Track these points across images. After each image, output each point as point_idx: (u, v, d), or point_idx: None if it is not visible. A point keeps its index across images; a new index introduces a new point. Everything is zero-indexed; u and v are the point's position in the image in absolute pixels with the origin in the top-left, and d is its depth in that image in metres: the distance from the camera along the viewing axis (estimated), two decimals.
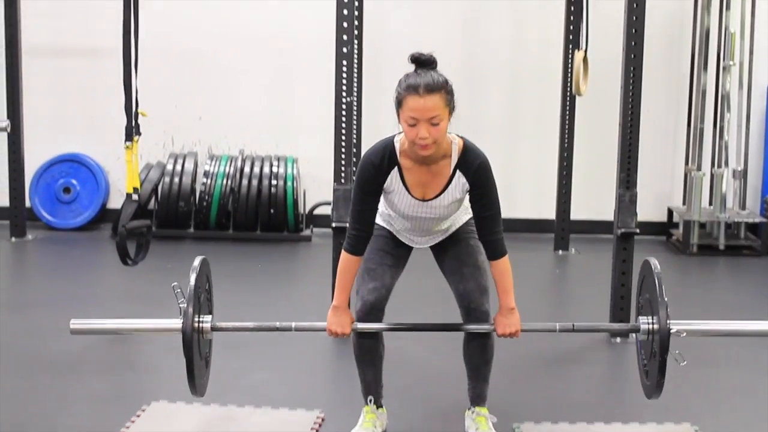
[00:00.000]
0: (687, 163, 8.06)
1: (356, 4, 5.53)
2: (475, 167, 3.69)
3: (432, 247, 4.02)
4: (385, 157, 3.71)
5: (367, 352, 3.99)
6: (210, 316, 3.91)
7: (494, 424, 4.06)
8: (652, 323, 3.79)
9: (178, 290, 3.75)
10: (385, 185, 3.73)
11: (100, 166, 8.29)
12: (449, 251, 3.96)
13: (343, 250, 3.82)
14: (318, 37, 7.59)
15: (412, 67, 3.62)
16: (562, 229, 7.64)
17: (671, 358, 3.67)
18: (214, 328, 3.89)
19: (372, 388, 4.06)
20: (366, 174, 3.72)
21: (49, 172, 8.24)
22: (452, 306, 4.02)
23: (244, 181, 7.89)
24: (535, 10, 8.15)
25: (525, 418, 4.30)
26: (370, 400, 4.07)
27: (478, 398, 4.07)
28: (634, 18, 5.27)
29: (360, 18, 6.51)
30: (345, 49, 5.31)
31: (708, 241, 7.84)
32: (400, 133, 3.71)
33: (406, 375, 4.81)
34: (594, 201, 7.87)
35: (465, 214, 3.97)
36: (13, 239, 7.73)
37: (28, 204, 8.01)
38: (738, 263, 7.59)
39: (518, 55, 8.17)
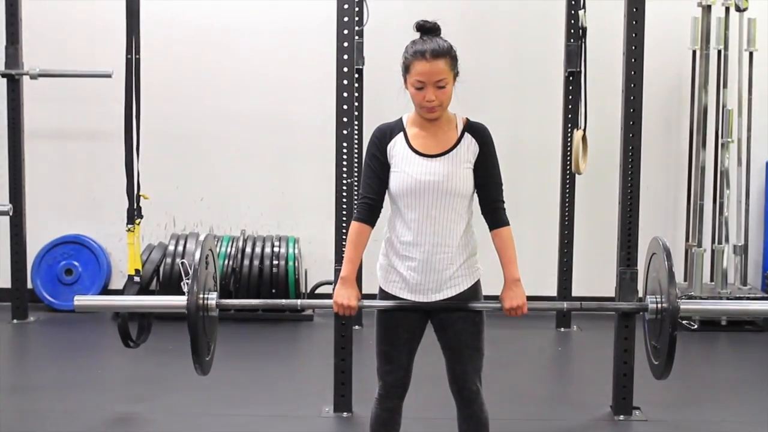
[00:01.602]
0: (687, 239, 8.06)
1: (356, 85, 5.59)
2: (482, 129, 3.88)
3: (434, 321, 3.95)
4: (392, 125, 3.88)
5: (384, 425, 3.97)
6: (215, 293, 3.93)
7: None
8: (661, 302, 3.87)
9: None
10: (388, 148, 3.83)
11: (101, 248, 8.30)
12: (455, 326, 3.90)
13: (353, 220, 3.90)
14: (318, 118, 7.65)
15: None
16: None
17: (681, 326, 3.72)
18: (219, 305, 3.91)
19: None
20: (374, 139, 3.89)
21: (51, 254, 8.25)
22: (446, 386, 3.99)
23: (246, 261, 7.89)
24: (534, 89, 8.22)
25: None
26: None
27: None
28: (632, 97, 5.31)
29: (360, 99, 6.57)
30: (345, 131, 5.34)
31: (710, 317, 7.81)
32: (406, 113, 3.89)
33: None
34: (595, 278, 7.84)
35: (475, 261, 3.99)
36: (15, 321, 7.69)
37: (30, 286, 8.00)
38: (740, 339, 7.55)
39: (518, 134, 8.19)
